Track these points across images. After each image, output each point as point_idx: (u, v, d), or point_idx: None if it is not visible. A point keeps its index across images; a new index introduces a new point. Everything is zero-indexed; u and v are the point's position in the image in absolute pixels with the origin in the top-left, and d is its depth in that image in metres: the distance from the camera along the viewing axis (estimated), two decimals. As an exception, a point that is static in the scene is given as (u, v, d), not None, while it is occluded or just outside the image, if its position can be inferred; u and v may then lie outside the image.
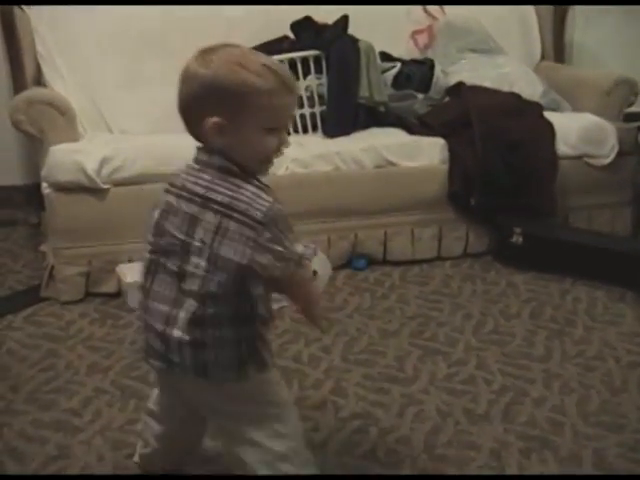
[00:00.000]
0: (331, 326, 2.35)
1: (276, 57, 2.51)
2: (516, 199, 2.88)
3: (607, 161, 3.03)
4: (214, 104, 1.25)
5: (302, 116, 2.91)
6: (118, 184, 2.55)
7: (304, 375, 2.08)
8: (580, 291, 2.66)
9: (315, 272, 1.52)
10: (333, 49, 2.88)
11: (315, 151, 2.77)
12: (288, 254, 1.28)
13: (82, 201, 2.53)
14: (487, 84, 3.16)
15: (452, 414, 1.89)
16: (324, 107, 2.91)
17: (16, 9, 2.89)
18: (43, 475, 1.66)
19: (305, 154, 2.76)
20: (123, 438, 1.78)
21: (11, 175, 3.39)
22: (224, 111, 1.25)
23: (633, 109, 3.23)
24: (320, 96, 2.90)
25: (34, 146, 2.84)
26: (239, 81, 1.24)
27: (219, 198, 1.26)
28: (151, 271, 1.34)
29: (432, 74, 3.19)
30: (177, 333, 1.29)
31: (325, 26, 3.05)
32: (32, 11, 2.95)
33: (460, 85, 3.15)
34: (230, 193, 1.26)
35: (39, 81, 2.95)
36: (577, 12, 3.73)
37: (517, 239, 2.84)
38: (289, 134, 1.47)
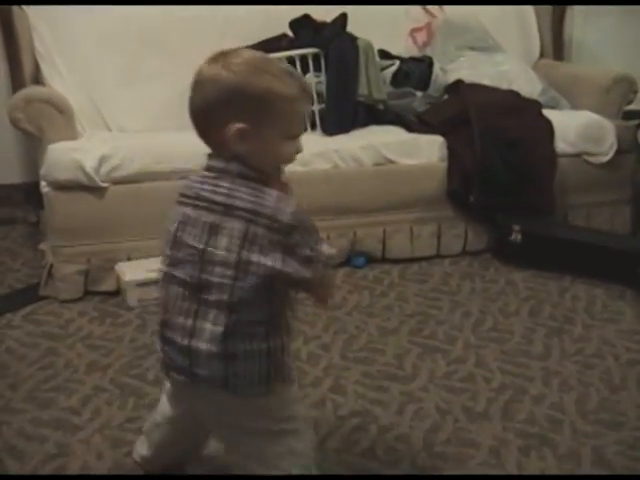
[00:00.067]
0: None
1: (275, 55, 2.51)
2: (515, 197, 2.88)
3: (606, 159, 3.03)
4: (238, 110, 1.22)
5: (301, 114, 2.91)
6: (117, 182, 2.55)
7: (303, 373, 2.07)
8: (579, 289, 2.66)
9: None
10: (332, 47, 2.88)
11: (314, 149, 2.76)
12: (317, 256, 1.26)
13: (81, 199, 2.53)
14: (486, 82, 3.16)
15: (451, 412, 1.89)
16: (323, 105, 2.91)
17: (14, 7, 2.89)
18: (43, 475, 1.65)
19: (304, 152, 2.74)
20: (122, 436, 1.77)
21: (10, 173, 3.38)
22: (248, 117, 1.22)
23: (632, 107, 3.23)
24: (319, 94, 2.90)
25: (33, 144, 2.84)
26: (265, 87, 1.22)
27: (242, 204, 1.23)
28: (168, 284, 1.31)
29: (431, 72, 3.19)
30: (204, 346, 1.25)
31: (324, 24, 3.05)
32: (30, 9, 2.95)
33: (459, 83, 3.15)
34: (253, 199, 1.24)
35: (37, 79, 2.95)
36: (576, 9, 3.73)
37: (516, 237, 2.84)
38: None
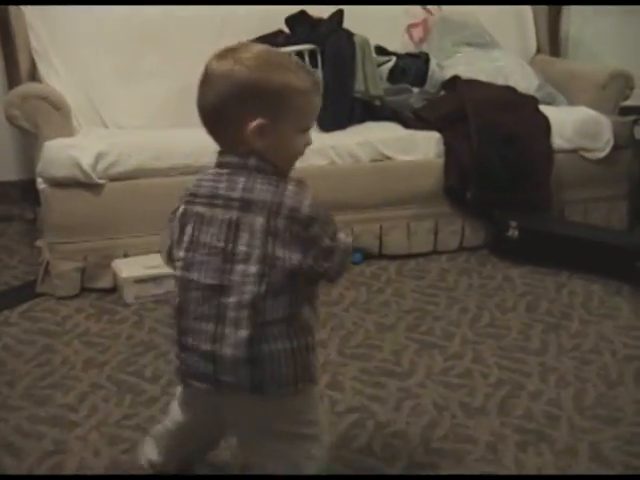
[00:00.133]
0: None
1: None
2: (512, 193, 2.88)
3: (602, 155, 3.03)
4: (255, 105, 1.21)
5: (297, 110, 2.91)
6: (113, 179, 2.55)
7: (300, 369, 2.07)
8: (576, 285, 2.66)
9: None
10: (328, 43, 2.88)
11: (311, 145, 2.75)
12: (337, 245, 1.26)
13: (77, 196, 2.52)
14: (482, 78, 3.16)
15: (448, 408, 1.89)
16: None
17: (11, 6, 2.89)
18: (43, 475, 1.65)
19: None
20: (119, 433, 1.77)
21: (6, 170, 3.38)
22: (267, 112, 1.21)
23: (628, 103, 3.23)
24: (316, 90, 2.89)
25: (29, 141, 2.83)
26: (283, 82, 1.21)
27: (262, 198, 1.22)
28: (184, 289, 1.27)
29: (427, 68, 3.18)
30: (229, 351, 1.22)
31: (320, 20, 3.04)
32: (27, 7, 2.94)
33: (455, 79, 3.14)
34: (272, 193, 1.23)
35: (34, 76, 2.94)
36: (573, 6, 3.73)
37: (513, 233, 2.84)
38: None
